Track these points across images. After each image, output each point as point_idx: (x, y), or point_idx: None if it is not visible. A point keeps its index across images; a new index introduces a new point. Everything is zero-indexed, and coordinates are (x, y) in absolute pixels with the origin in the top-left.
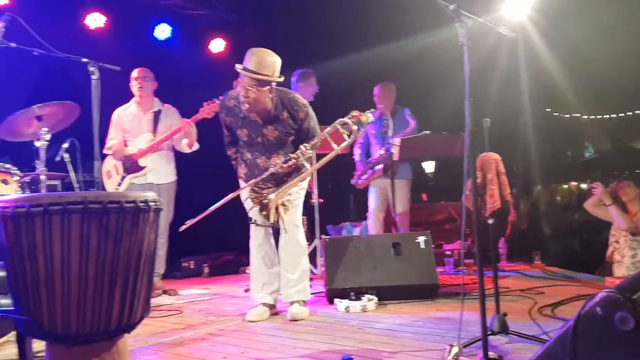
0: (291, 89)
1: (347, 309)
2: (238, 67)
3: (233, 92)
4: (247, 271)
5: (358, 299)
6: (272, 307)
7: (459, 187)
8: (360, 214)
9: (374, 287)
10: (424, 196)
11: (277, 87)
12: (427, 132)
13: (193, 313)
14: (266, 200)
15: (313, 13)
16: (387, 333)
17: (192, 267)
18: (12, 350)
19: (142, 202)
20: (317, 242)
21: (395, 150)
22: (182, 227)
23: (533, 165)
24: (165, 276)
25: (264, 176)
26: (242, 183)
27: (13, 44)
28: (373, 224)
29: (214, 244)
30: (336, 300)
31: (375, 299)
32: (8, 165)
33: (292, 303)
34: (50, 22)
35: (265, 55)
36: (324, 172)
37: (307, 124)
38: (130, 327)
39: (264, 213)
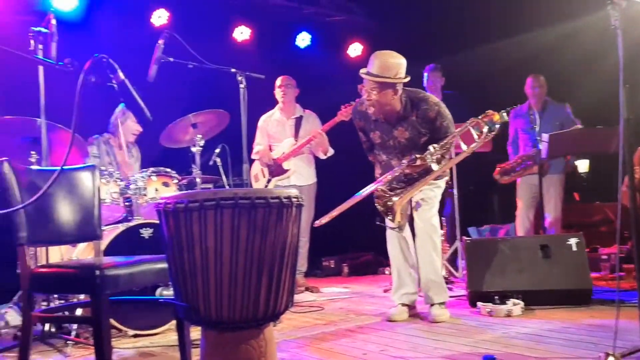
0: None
1: (490, 312)
2: (362, 71)
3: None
4: (387, 272)
5: (503, 302)
6: (411, 307)
7: (616, 186)
8: (505, 215)
9: (519, 291)
10: (576, 196)
11: (407, 88)
12: (579, 126)
13: (333, 310)
14: (390, 203)
15: (450, 10)
16: (534, 338)
17: (332, 266)
18: (173, 337)
19: (285, 198)
20: (457, 244)
21: (543, 147)
22: (317, 223)
23: None
24: (307, 274)
25: (388, 176)
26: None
27: (171, 59)
28: (522, 223)
29: (353, 244)
30: (479, 304)
31: (522, 303)
32: (168, 170)
33: (432, 305)
34: (202, 37)
35: (388, 58)
36: (466, 171)
37: (440, 123)
38: (275, 316)
39: (389, 217)
